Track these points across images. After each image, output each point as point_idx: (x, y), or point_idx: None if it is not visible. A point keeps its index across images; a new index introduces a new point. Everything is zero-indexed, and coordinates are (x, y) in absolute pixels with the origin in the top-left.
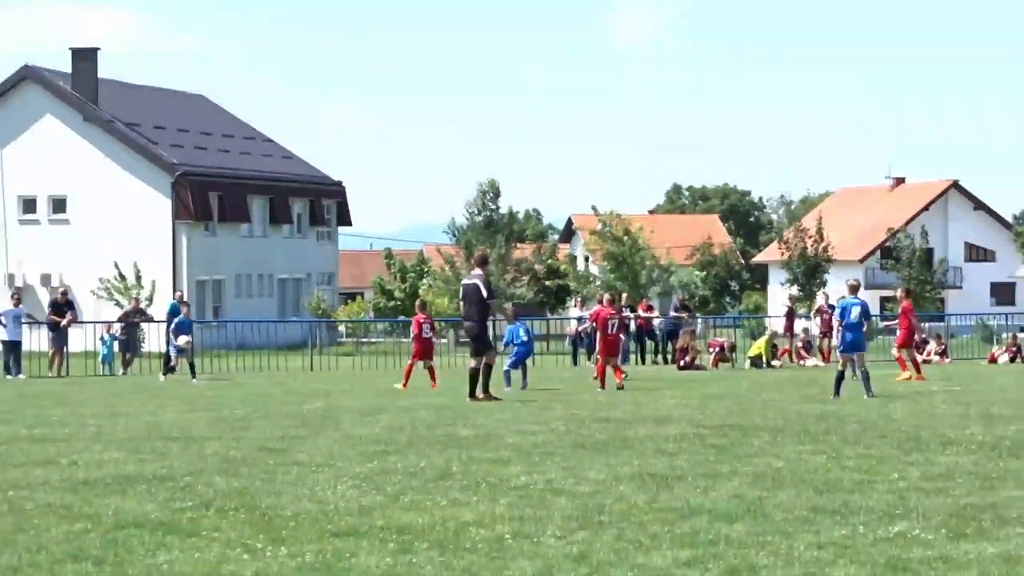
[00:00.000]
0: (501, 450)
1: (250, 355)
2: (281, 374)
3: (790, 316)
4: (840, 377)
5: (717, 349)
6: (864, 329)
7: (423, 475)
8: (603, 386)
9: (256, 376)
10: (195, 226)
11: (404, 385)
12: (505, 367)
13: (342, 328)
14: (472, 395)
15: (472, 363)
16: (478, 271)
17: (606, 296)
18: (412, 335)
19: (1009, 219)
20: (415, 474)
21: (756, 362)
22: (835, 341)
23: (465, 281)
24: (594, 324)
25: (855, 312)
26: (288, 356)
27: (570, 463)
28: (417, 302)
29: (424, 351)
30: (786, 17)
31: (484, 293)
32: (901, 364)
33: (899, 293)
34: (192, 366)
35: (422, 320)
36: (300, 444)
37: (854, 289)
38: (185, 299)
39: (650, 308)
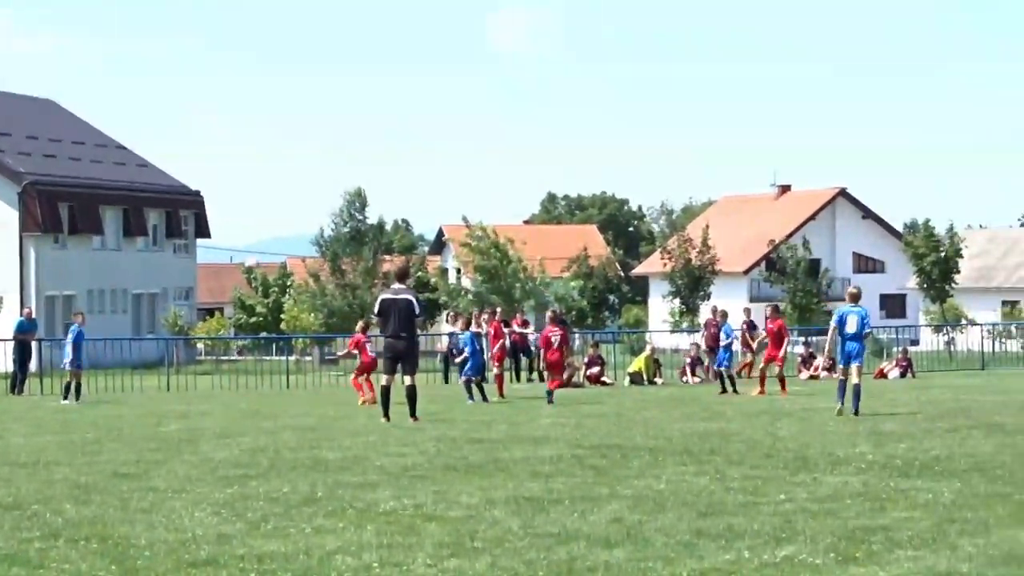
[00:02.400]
0: (369, 473)
1: (103, 374)
2: (136, 394)
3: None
4: (843, 387)
5: (596, 367)
6: (863, 340)
7: (286, 500)
8: (551, 401)
9: (109, 397)
10: (44, 238)
11: (370, 399)
12: (464, 377)
13: (200, 345)
14: (386, 415)
15: (384, 381)
16: (402, 285)
17: (548, 313)
18: (354, 351)
19: (899, 228)
20: (277, 499)
21: (636, 379)
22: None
23: (388, 296)
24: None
25: (853, 321)
26: (143, 375)
27: (441, 487)
28: (359, 325)
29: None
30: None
31: (417, 309)
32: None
33: (768, 310)
34: (68, 387)
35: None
36: (156, 468)
37: (855, 297)
38: (33, 315)
39: (525, 323)
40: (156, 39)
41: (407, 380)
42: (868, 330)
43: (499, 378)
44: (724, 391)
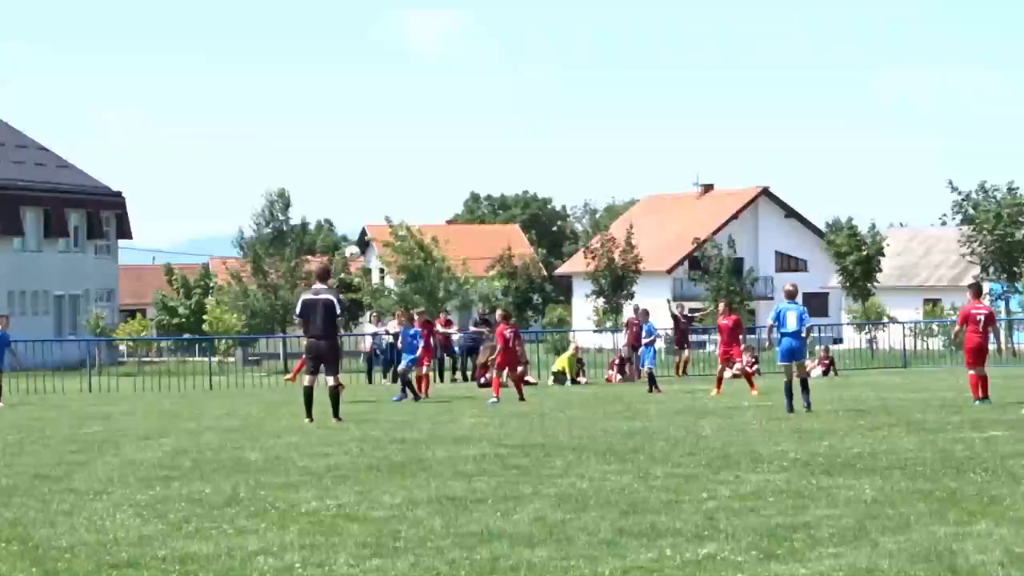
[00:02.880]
0: (291, 474)
1: (24, 376)
2: (57, 396)
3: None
4: (788, 389)
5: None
6: (804, 336)
7: (208, 502)
8: (498, 397)
9: (30, 399)
10: None
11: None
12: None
13: (123, 347)
14: (309, 416)
15: (307, 381)
16: (323, 285)
17: (499, 312)
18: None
19: (821, 227)
20: (200, 501)
21: (560, 378)
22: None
23: (309, 296)
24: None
25: (791, 318)
26: (65, 377)
27: (364, 487)
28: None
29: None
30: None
31: (339, 309)
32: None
33: (721, 307)
34: None
35: None
36: (77, 470)
37: (791, 295)
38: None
39: (449, 323)
40: (73, 38)
41: (330, 381)
42: (808, 325)
43: (425, 378)
44: (651, 390)
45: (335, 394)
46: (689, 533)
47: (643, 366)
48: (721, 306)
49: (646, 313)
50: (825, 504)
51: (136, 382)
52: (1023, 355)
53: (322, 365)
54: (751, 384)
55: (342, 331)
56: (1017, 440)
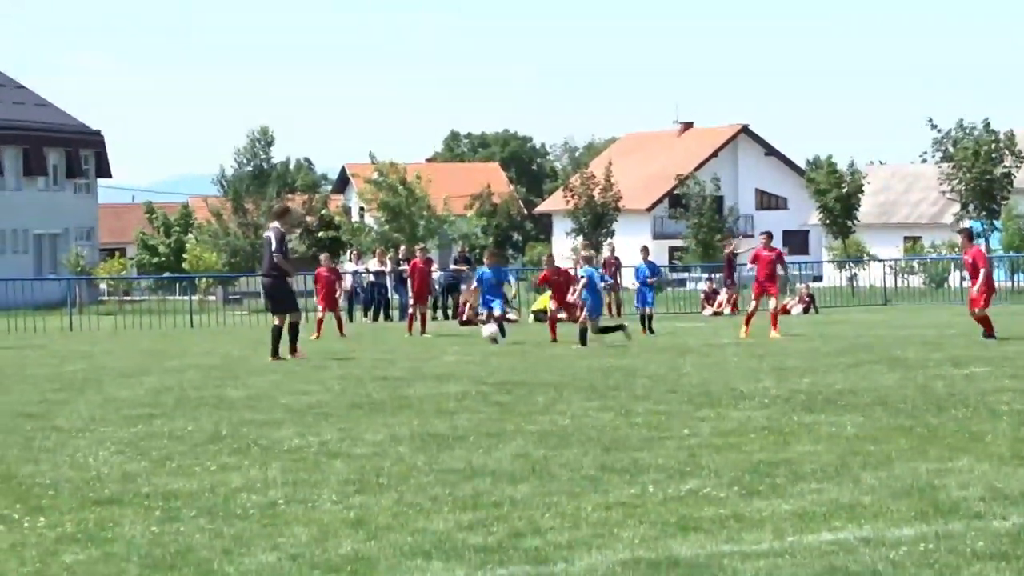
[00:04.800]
0: (274, 412)
1: (5, 316)
2: (39, 335)
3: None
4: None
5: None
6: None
7: (191, 439)
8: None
9: (12, 337)
10: None
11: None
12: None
13: (103, 286)
14: (274, 354)
15: (276, 320)
16: (275, 223)
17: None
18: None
19: (801, 165)
20: (182, 438)
21: (540, 316)
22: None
23: (265, 233)
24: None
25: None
26: (46, 316)
27: (346, 424)
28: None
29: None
30: None
31: (274, 245)
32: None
33: (763, 239)
34: None
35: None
36: (59, 408)
37: (588, 260)
38: None
39: (429, 261)
40: None
41: (275, 320)
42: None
43: (423, 316)
44: (645, 331)
45: (290, 331)
46: (671, 469)
47: (642, 306)
48: (762, 237)
49: (646, 250)
50: (807, 440)
51: (117, 321)
52: (1003, 293)
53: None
54: (775, 325)
55: (291, 269)
56: (998, 376)
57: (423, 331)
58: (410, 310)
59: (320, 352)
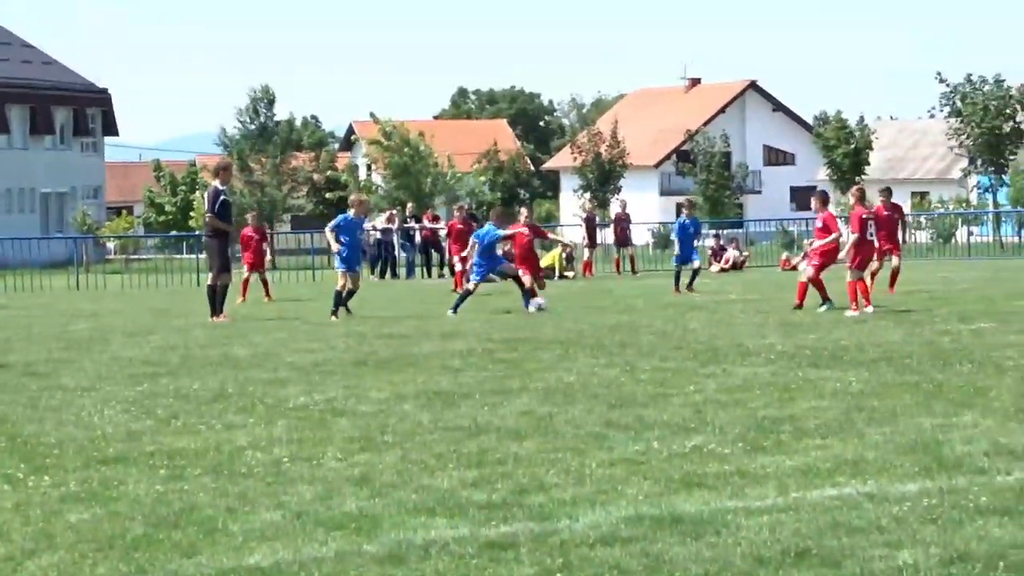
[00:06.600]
0: (279, 370)
1: (11, 274)
2: (45, 294)
3: (590, 225)
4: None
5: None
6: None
7: (196, 397)
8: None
9: (18, 296)
10: None
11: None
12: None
13: (110, 244)
14: (213, 313)
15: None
16: (215, 181)
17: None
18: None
19: (809, 120)
20: (187, 396)
21: (548, 273)
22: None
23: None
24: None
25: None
26: (53, 275)
27: (351, 382)
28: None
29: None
30: None
31: (206, 205)
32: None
33: (881, 196)
34: None
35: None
36: (65, 367)
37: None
38: None
39: (435, 219)
40: None
41: (208, 279)
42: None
43: (459, 275)
44: (690, 288)
45: (209, 293)
46: (676, 426)
47: (685, 262)
48: (881, 196)
49: (691, 205)
50: (812, 396)
51: (124, 279)
52: (1011, 248)
53: None
54: (892, 285)
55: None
56: (1004, 332)
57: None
58: (457, 268)
59: (324, 311)
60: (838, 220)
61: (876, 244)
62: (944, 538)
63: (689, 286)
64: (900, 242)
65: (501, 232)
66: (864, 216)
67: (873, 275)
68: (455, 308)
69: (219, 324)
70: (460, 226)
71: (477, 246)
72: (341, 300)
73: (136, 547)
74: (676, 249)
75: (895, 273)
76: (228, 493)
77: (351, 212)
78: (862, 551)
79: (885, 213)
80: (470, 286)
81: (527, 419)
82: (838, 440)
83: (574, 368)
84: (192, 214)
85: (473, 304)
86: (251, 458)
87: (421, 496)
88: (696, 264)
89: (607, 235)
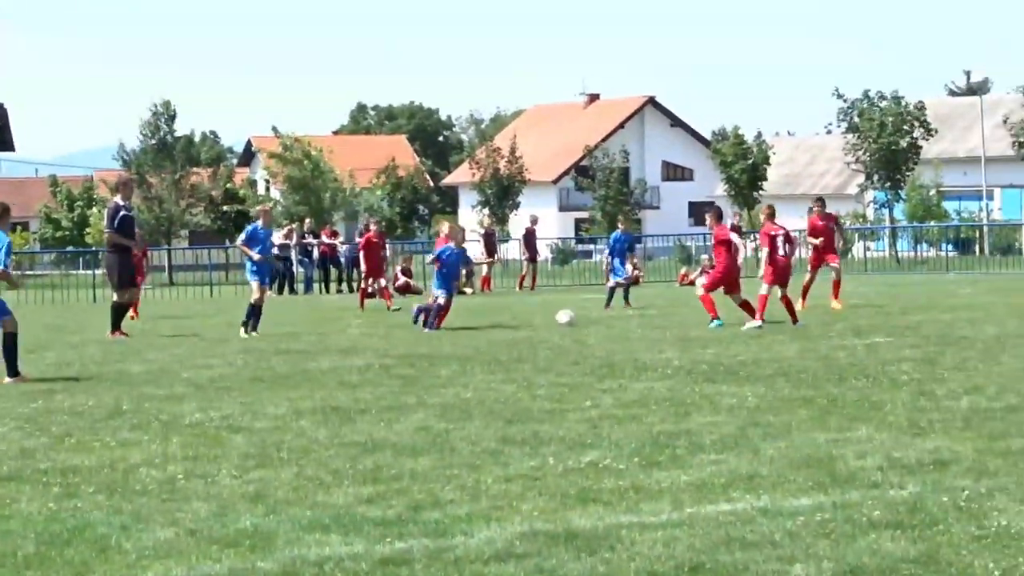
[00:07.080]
0: (175, 386)
1: None
2: None
3: (489, 240)
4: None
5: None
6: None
7: (91, 414)
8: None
9: None
10: None
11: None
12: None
13: None
14: (112, 330)
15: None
16: (116, 197)
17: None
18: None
19: (707, 136)
20: (82, 413)
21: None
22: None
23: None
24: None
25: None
26: None
27: (248, 398)
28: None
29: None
30: None
31: (105, 221)
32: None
33: (816, 205)
34: None
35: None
36: None
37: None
38: None
39: (334, 234)
40: None
41: (114, 296)
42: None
43: (383, 291)
44: (625, 303)
45: (113, 308)
46: (572, 441)
47: (620, 276)
48: (816, 205)
49: (625, 219)
50: (708, 411)
51: (19, 295)
52: (906, 263)
53: None
54: (836, 294)
55: (136, 244)
56: (899, 346)
57: (388, 306)
58: (363, 284)
59: (222, 328)
60: (732, 234)
61: (811, 255)
62: (837, 552)
63: (626, 300)
64: (836, 251)
65: (461, 250)
66: (772, 233)
67: (805, 289)
68: (433, 326)
69: (116, 340)
70: (375, 240)
71: (440, 265)
72: (256, 313)
73: (28, 566)
74: (614, 263)
75: (836, 284)
76: (122, 511)
77: (259, 223)
78: (756, 566)
79: (821, 223)
80: (441, 302)
81: (423, 435)
82: (733, 455)
83: (471, 384)
84: (88, 230)
85: (370, 319)
86: (145, 475)
87: (316, 513)
88: (623, 278)
89: (510, 250)
